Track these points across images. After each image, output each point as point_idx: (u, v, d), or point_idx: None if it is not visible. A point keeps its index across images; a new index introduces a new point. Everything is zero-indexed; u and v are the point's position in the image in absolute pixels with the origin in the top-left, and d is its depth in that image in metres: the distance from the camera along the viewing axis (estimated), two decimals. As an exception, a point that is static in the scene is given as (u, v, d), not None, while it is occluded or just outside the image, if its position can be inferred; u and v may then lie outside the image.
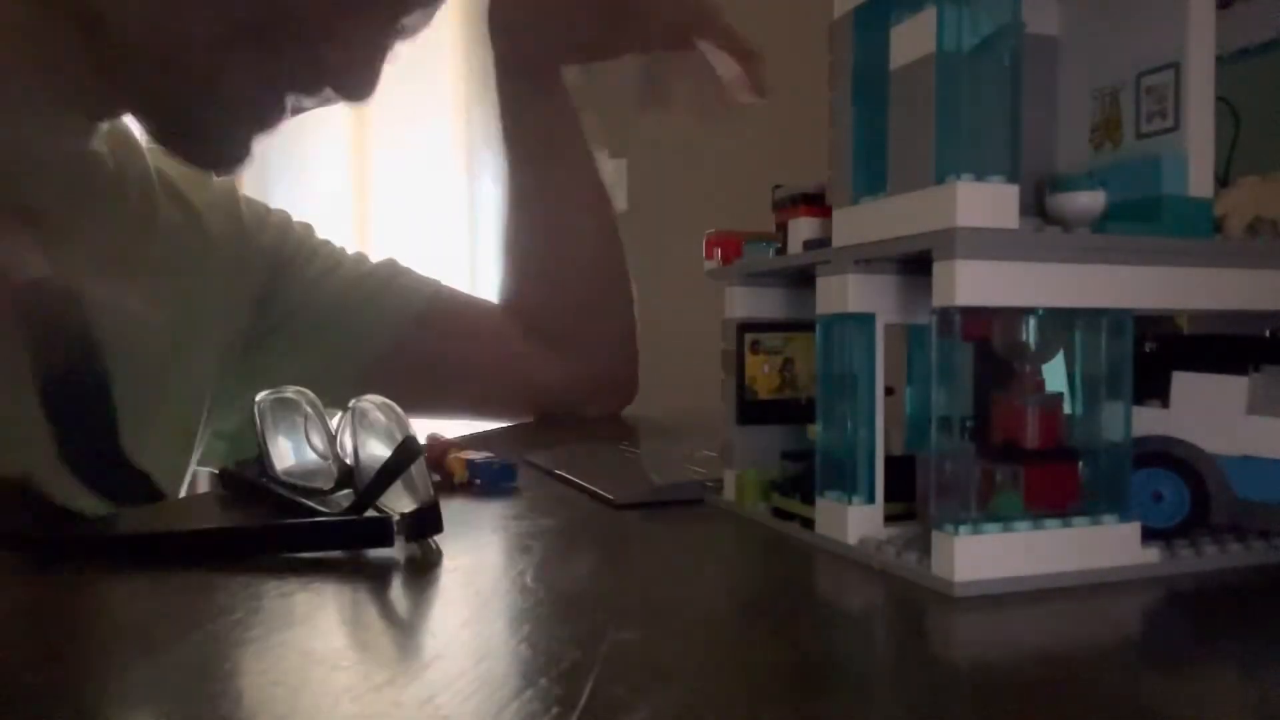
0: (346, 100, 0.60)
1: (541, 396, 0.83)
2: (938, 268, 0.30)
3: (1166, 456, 0.34)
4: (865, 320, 0.35)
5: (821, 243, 0.38)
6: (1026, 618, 0.28)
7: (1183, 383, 0.34)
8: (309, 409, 0.45)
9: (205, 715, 0.21)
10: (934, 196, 0.31)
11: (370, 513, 0.36)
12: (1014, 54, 0.32)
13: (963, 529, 0.30)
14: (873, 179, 0.34)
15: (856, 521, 0.35)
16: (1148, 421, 0.34)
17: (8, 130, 0.54)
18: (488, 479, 0.47)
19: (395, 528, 0.34)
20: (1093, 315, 0.32)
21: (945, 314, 0.30)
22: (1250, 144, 0.44)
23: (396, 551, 0.34)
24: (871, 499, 0.35)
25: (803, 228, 0.39)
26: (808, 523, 0.37)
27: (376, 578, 0.33)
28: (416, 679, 0.23)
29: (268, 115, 0.59)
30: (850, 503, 0.35)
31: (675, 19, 0.75)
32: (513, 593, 0.31)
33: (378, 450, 0.40)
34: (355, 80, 0.59)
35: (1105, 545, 0.31)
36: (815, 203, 0.39)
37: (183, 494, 0.67)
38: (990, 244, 0.30)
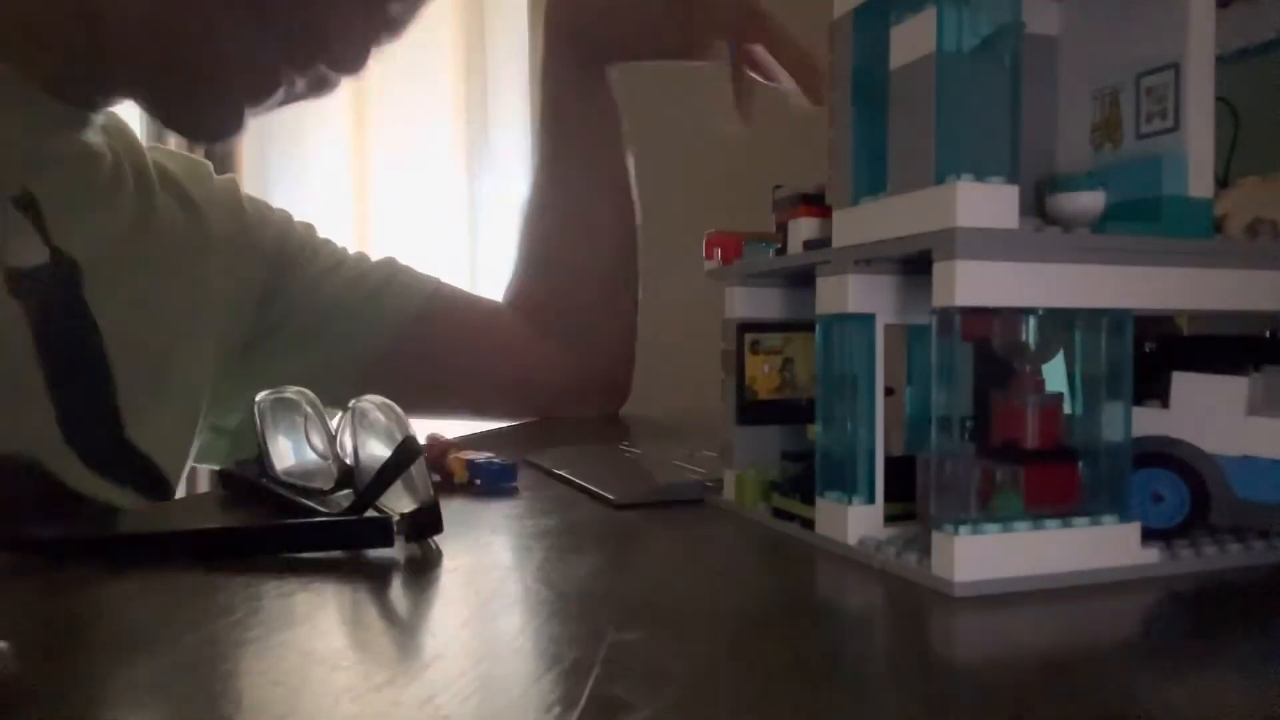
0: (338, 71, 0.61)
1: (541, 395, 0.83)
2: (938, 268, 0.30)
3: (1166, 457, 0.34)
4: (865, 320, 0.35)
5: (821, 243, 0.38)
6: (1026, 618, 0.28)
7: (1183, 383, 0.34)
8: (309, 409, 0.45)
9: (205, 715, 0.21)
10: (934, 197, 0.31)
11: (370, 513, 0.36)
12: (1014, 54, 0.32)
13: (963, 529, 0.30)
14: (873, 179, 0.34)
15: (856, 521, 0.35)
16: (1148, 421, 0.34)
17: (4, 120, 0.55)
18: (488, 479, 0.47)
19: (395, 528, 0.34)
20: (1093, 315, 0.32)
21: (945, 314, 0.30)
22: (1250, 144, 0.44)
23: (396, 551, 0.34)
24: (871, 499, 0.35)
25: (803, 228, 0.39)
26: (808, 523, 0.37)
27: (376, 578, 0.33)
28: (416, 679, 0.23)
29: (262, 85, 0.60)
30: (850, 503, 0.35)
31: (734, 21, 0.75)
32: (513, 593, 0.31)
33: (378, 450, 0.40)
34: (348, 49, 0.60)
35: (1105, 545, 0.31)
36: (815, 203, 0.39)
37: (184, 485, 0.67)
38: (990, 244, 0.30)
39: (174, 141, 0.81)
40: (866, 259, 0.35)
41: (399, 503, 0.36)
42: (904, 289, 0.35)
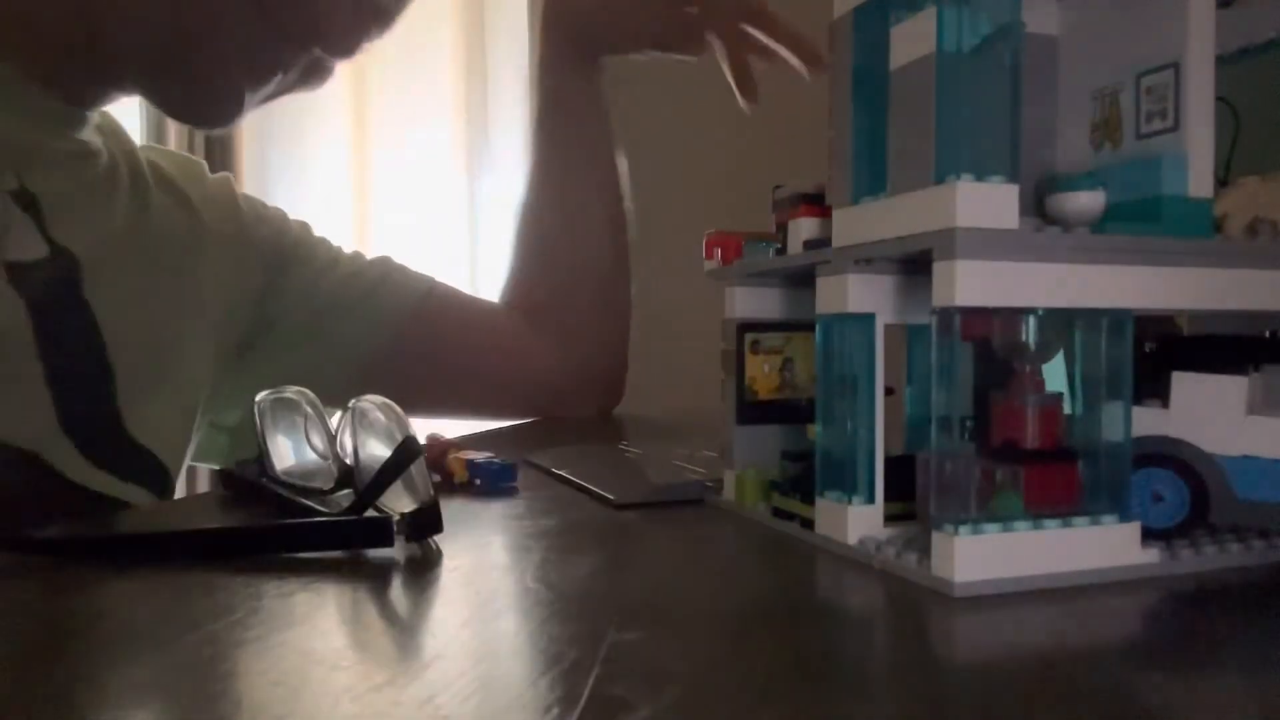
0: (331, 54, 0.62)
1: (541, 395, 0.83)
2: (937, 268, 0.30)
3: (1166, 457, 0.34)
4: (865, 320, 0.35)
5: (821, 243, 0.38)
6: (1026, 618, 0.28)
7: (1183, 383, 0.34)
8: (309, 409, 0.45)
9: (205, 715, 0.21)
10: (934, 196, 0.31)
11: (370, 513, 0.36)
12: (1014, 54, 0.32)
13: (962, 529, 0.30)
14: (873, 179, 0.34)
15: (856, 521, 0.35)
16: (1148, 421, 0.34)
17: (3, 118, 0.55)
18: (488, 479, 0.47)
19: (395, 528, 0.34)
20: (1093, 315, 0.32)
21: (945, 314, 0.30)
22: (1250, 144, 0.44)
23: (396, 551, 0.34)
24: (871, 499, 0.35)
25: (803, 228, 0.39)
26: (808, 523, 0.37)
27: (376, 578, 0.33)
28: (416, 679, 0.23)
29: (260, 68, 0.60)
30: (850, 503, 0.35)
31: (727, 7, 0.76)
32: (513, 593, 0.31)
33: (378, 450, 0.40)
34: (335, 26, 0.60)
35: (1105, 545, 0.31)
36: (815, 203, 0.39)
37: (184, 485, 0.67)
38: (990, 244, 0.30)
39: (172, 140, 0.81)
40: (866, 259, 0.35)
41: (399, 503, 0.36)
42: (904, 289, 0.35)
